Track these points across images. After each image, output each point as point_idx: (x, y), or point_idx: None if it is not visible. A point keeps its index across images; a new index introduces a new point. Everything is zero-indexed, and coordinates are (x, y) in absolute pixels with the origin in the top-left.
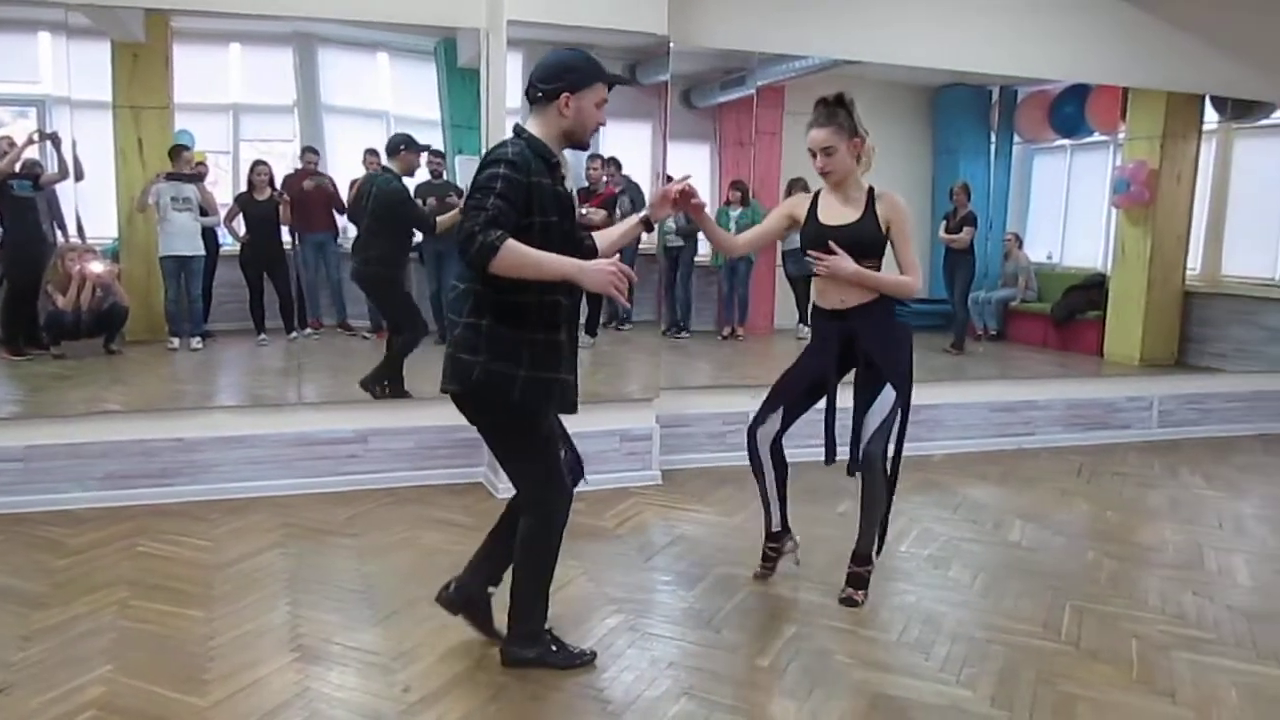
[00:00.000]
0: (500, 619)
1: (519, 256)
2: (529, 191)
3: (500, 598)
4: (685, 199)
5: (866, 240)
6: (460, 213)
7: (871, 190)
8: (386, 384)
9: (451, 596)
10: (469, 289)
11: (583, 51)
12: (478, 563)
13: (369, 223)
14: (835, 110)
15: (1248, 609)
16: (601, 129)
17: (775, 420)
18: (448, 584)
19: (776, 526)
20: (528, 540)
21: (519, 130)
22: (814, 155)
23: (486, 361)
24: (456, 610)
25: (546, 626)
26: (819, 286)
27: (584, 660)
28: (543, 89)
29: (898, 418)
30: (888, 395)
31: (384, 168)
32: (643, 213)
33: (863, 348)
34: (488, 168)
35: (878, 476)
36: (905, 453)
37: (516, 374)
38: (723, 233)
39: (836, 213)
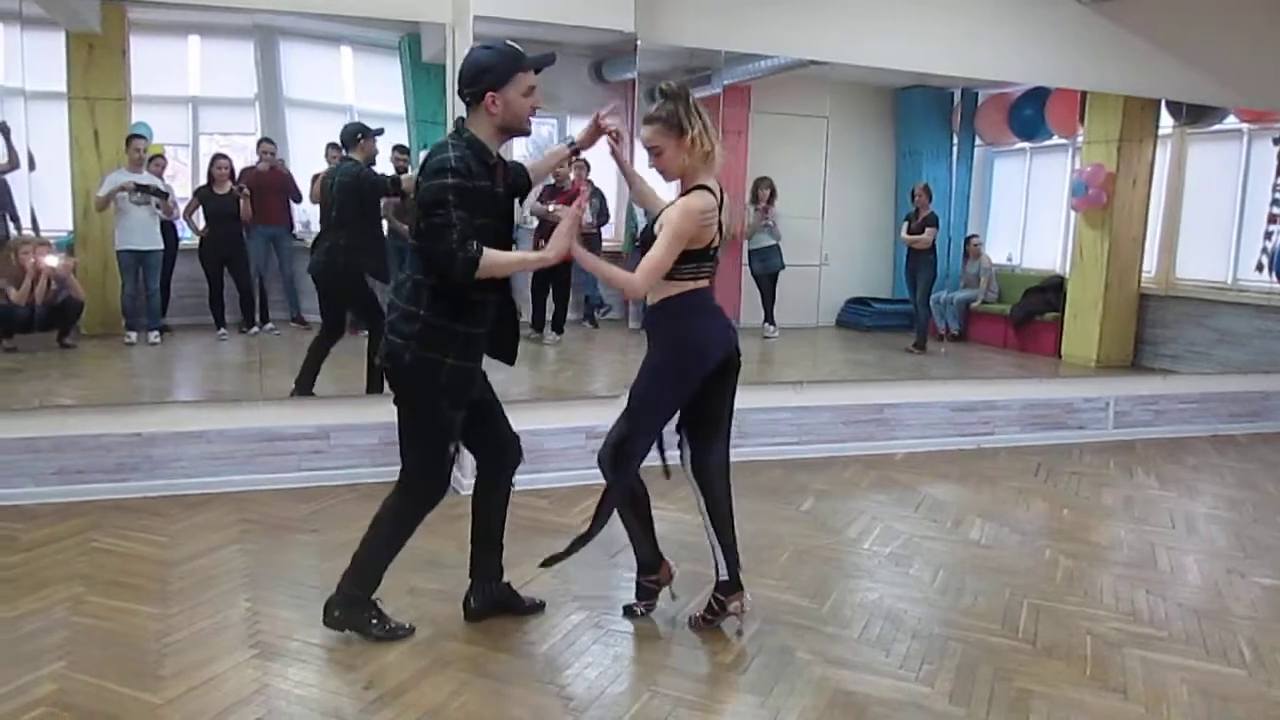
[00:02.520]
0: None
1: (496, 261)
2: (474, 197)
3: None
4: (602, 128)
5: (649, 241)
6: (418, 228)
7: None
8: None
9: (478, 609)
10: (414, 279)
11: (499, 46)
12: (478, 568)
13: (336, 213)
14: (665, 103)
15: (1198, 607)
16: (567, 125)
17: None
18: (466, 599)
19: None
20: (391, 513)
21: (461, 129)
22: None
23: (417, 348)
24: (485, 615)
25: (375, 597)
26: None
27: (401, 634)
28: (468, 92)
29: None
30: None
31: (345, 158)
32: (570, 139)
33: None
34: (434, 177)
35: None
36: (866, 451)
37: (445, 361)
38: (634, 175)
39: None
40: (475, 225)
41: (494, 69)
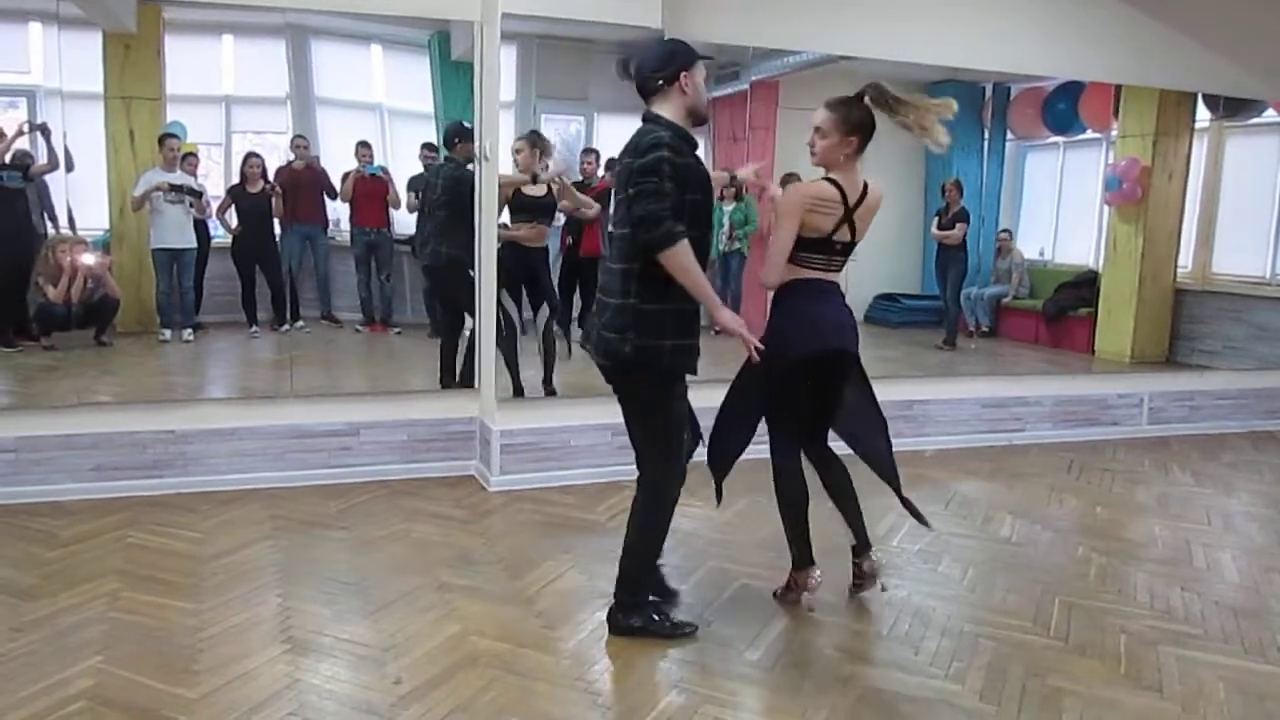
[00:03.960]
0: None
1: (685, 259)
2: (685, 172)
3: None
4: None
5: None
6: (634, 193)
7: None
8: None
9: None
10: (621, 269)
11: (672, 38)
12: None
13: (444, 213)
14: (849, 102)
15: (1235, 605)
16: (595, 123)
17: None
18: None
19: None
20: (642, 513)
21: (656, 117)
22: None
23: (635, 338)
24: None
25: (651, 597)
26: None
27: (686, 632)
28: (662, 75)
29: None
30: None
31: (447, 158)
32: (736, 173)
33: None
34: (650, 152)
35: None
36: (895, 447)
37: (664, 344)
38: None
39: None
40: (686, 200)
41: (681, 53)
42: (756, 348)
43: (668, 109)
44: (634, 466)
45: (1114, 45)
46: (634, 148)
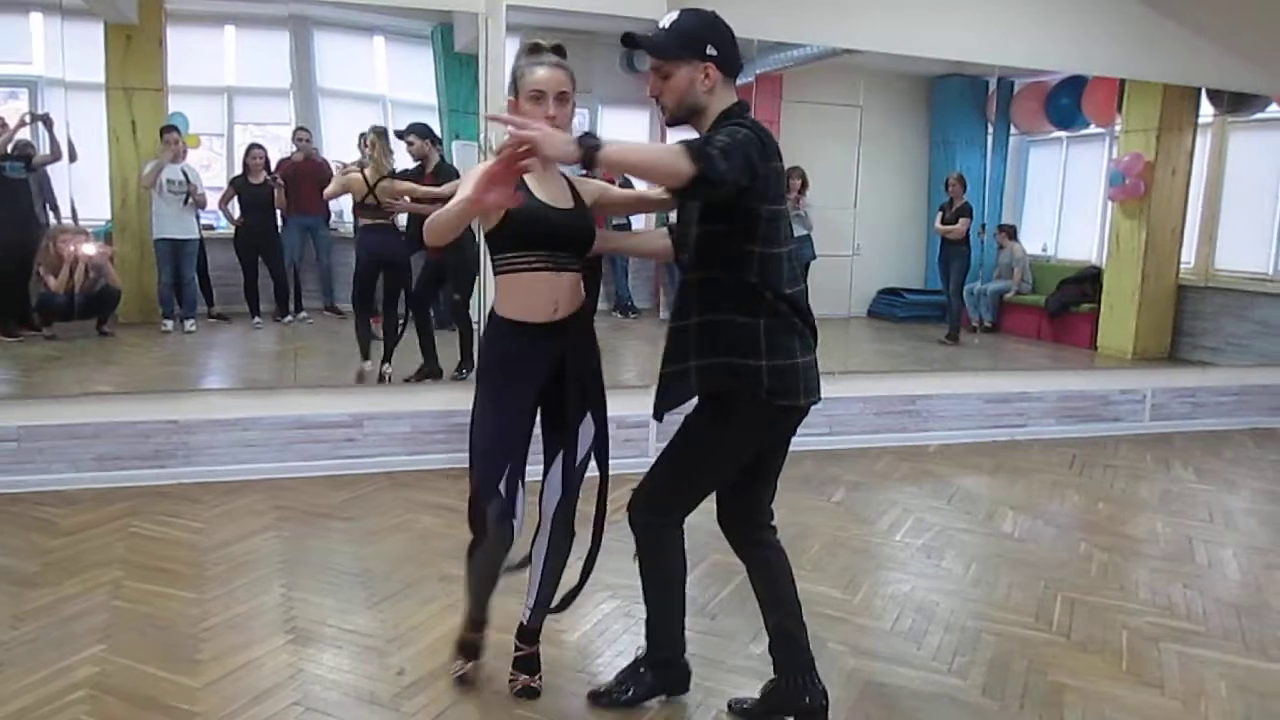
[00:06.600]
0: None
1: None
2: None
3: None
4: None
5: (588, 233)
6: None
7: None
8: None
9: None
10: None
11: None
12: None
13: None
14: (564, 59)
15: (1237, 602)
16: (599, 116)
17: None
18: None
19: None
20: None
21: None
22: (539, 99)
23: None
24: None
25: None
26: (531, 287)
27: None
28: None
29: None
30: (587, 429)
31: None
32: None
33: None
34: None
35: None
36: (898, 443)
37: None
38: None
39: (550, 192)
40: None
41: None
42: None
43: None
44: (637, 459)
45: (1118, 39)
46: None
